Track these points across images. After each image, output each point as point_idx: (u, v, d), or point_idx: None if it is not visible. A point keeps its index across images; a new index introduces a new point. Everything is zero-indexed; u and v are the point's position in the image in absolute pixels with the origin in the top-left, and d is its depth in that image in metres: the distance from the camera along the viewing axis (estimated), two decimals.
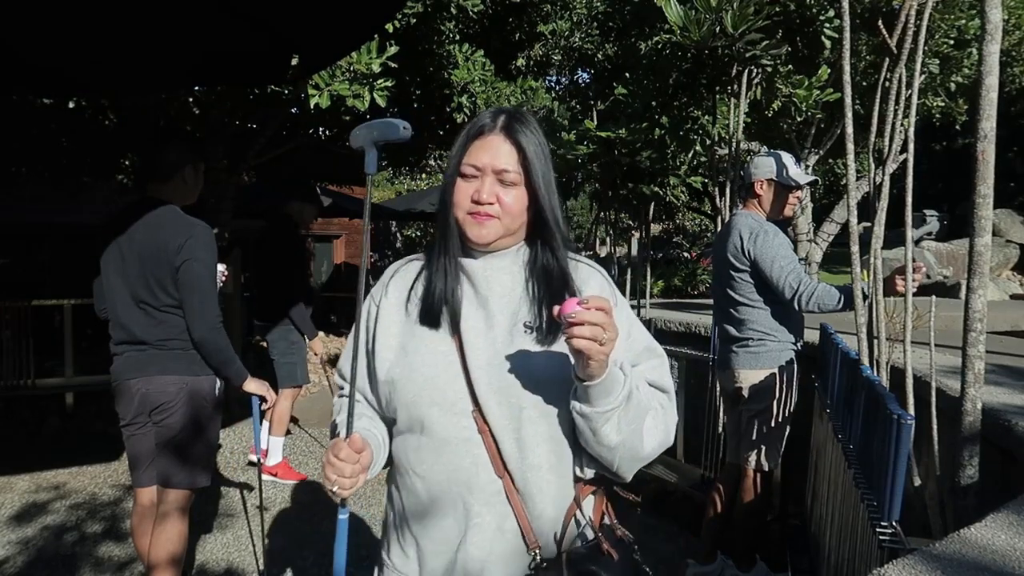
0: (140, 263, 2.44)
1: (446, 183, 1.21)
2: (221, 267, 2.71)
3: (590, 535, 1.18)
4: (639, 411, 1.12)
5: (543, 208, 1.20)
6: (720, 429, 3.76)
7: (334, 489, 1.08)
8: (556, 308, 1.01)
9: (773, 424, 2.88)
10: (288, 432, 4.71)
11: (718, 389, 3.79)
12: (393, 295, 1.27)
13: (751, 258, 2.85)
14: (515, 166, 1.18)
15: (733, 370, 2.97)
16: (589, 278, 1.24)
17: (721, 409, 3.75)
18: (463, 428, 1.15)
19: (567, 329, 0.99)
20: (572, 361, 1.06)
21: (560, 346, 1.13)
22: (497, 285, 1.21)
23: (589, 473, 1.20)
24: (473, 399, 1.15)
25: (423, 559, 1.19)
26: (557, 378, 1.13)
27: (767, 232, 2.85)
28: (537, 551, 1.14)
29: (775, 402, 2.87)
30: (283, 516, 3.89)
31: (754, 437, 2.91)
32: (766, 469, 2.92)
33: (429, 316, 1.21)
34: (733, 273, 2.93)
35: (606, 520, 1.23)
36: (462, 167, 1.19)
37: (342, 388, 1.36)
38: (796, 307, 2.77)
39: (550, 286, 1.20)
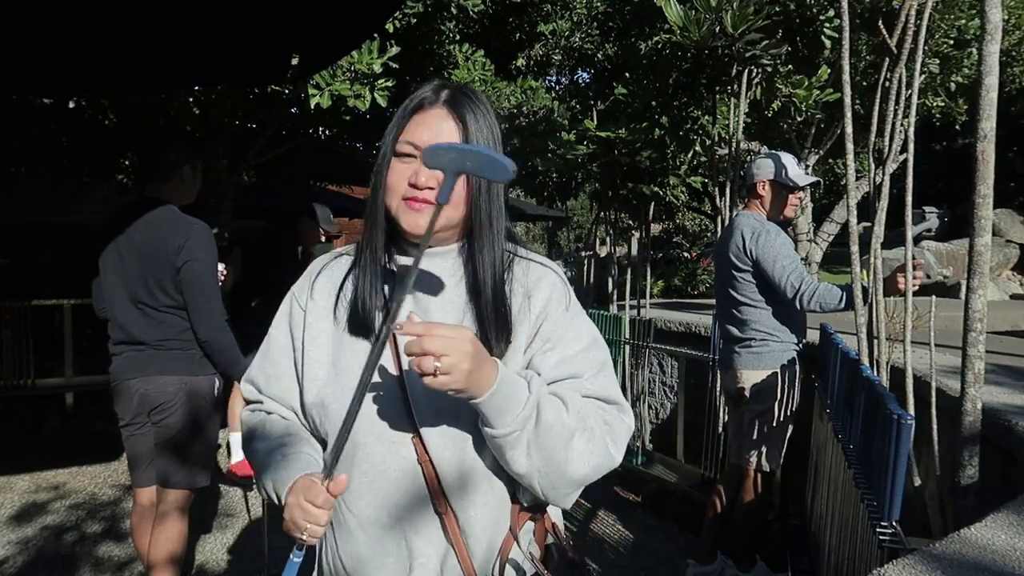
0: (139, 263, 2.44)
1: (378, 165, 1.04)
2: (220, 266, 2.71)
3: (529, 568, 1.07)
4: (557, 433, 0.96)
5: (483, 196, 1.02)
6: (720, 429, 3.76)
7: (303, 536, 0.92)
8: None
9: (775, 424, 2.88)
10: None
11: (718, 389, 3.79)
12: (320, 298, 1.09)
13: (753, 258, 2.85)
14: None
15: (735, 370, 2.97)
16: (540, 280, 1.08)
17: (723, 409, 3.75)
18: (402, 458, 1.00)
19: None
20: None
21: (510, 364, 1.01)
22: (435, 289, 1.05)
23: (527, 499, 1.07)
24: (412, 424, 0.99)
25: None
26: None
27: (769, 232, 2.85)
28: None
29: (776, 403, 2.87)
30: (283, 516, 3.89)
31: (755, 437, 2.91)
32: (767, 470, 2.92)
33: (361, 325, 1.03)
34: (735, 273, 2.93)
35: (550, 539, 1.11)
36: (397, 144, 1.02)
37: (256, 403, 1.15)
38: (797, 306, 2.77)
39: (492, 291, 1.03)
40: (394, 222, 1.03)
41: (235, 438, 4.46)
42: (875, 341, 2.35)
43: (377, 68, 3.96)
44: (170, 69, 2.88)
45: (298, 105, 4.86)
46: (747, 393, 2.92)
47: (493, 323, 1.02)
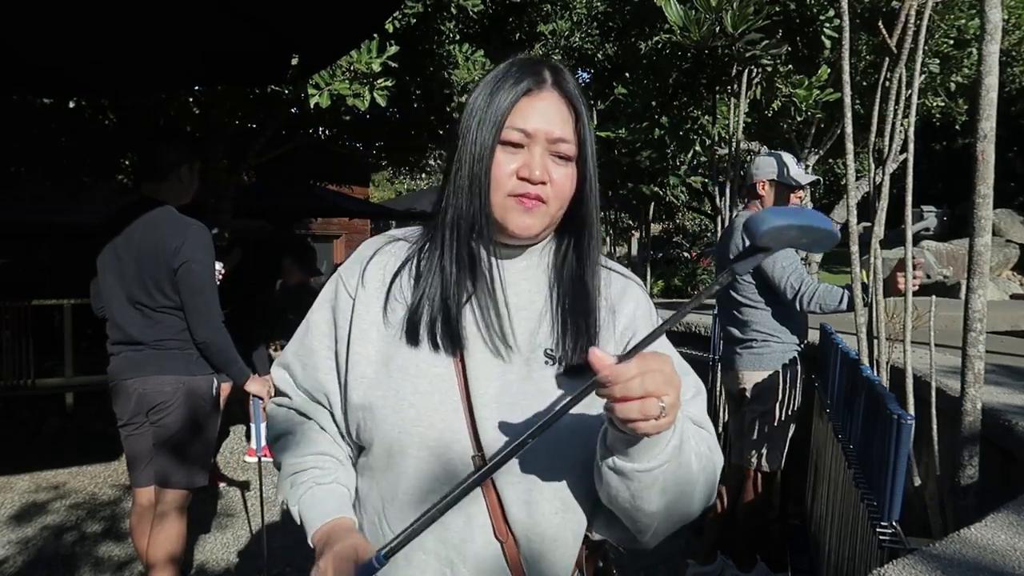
0: (137, 264, 2.44)
1: (474, 155, 0.88)
2: (218, 266, 2.71)
3: None
4: (690, 465, 0.82)
5: (587, 195, 0.91)
6: (720, 429, 3.76)
7: None
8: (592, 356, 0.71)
9: (776, 425, 2.88)
10: None
11: (718, 389, 3.79)
12: (372, 287, 0.95)
13: None
14: (571, 134, 0.89)
15: (737, 371, 2.97)
16: (624, 295, 0.97)
17: (725, 410, 3.75)
18: (458, 478, 0.84)
19: (601, 391, 0.71)
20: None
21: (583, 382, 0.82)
22: (516, 295, 0.93)
23: (601, 536, 0.95)
24: (475, 442, 0.87)
25: None
26: (583, 427, 0.87)
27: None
28: None
29: (778, 403, 2.87)
30: (283, 516, 3.89)
31: (756, 438, 2.91)
32: (768, 470, 2.92)
33: (423, 327, 0.90)
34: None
35: (600, 564, 1.02)
36: (505, 131, 0.87)
37: (284, 395, 1.03)
38: (797, 308, 2.77)
39: (581, 303, 0.91)
40: (494, 219, 0.89)
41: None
42: (875, 341, 2.35)
43: (376, 68, 3.96)
44: (170, 69, 2.88)
45: (298, 105, 4.86)
46: (748, 394, 2.92)
47: (576, 334, 0.91)
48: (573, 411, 0.75)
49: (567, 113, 0.89)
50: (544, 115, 0.88)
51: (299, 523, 0.92)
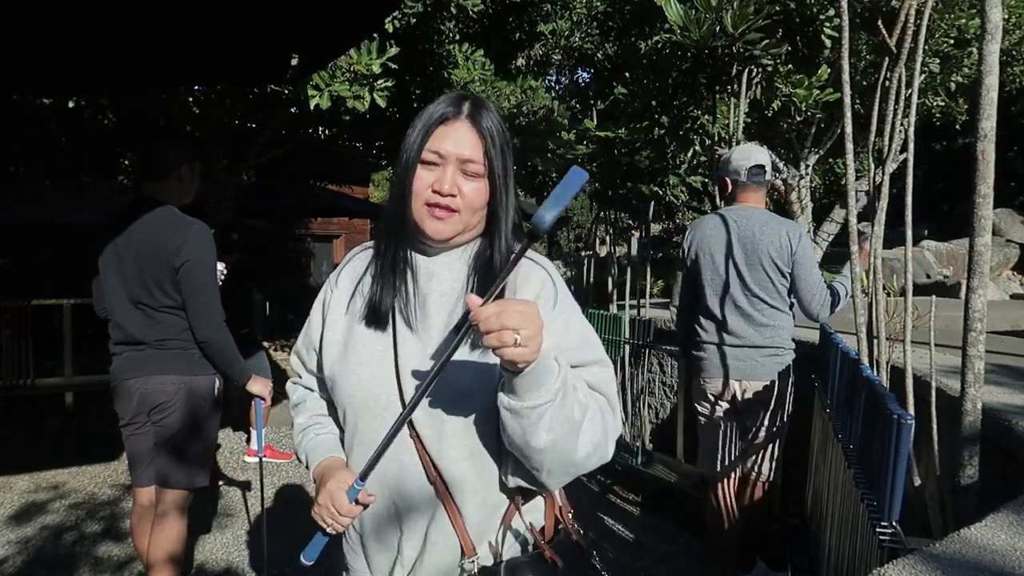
0: (138, 264, 2.44)
1: (402, 170, 1.11)
2: (220, 266, 2.71)
3: (528, 539, 1.14)
4: (574, 410, 1.00)
5: (500, 204, 1.13)
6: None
7: (327, 529, 1.10)
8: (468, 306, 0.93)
9: (778, 431, 2.86)
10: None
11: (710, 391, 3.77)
12: (343, 286, 1.23)
13: (792, 260, 2.76)
14: (480, 156, 1.10)
15: (750, 378, 2.84)
16: (528, 277, 1.14)
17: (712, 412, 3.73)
18: (398, 438, 1.07)
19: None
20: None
21: (489, 354, 1.01)
22: (438, 283, 1.16)
23: (514, 482, 1.11)
24: (403, 402, 1.10)
25: (369, 558, 1.19)
26: (485, 388, 1.05)
27: (805, 236, 2.78)
28: (475, 559, 1.10)
29: (783, 410, 2.85)
30: (283, 516, 3.89)
31: (765, 445, 2.88)
32: (771, 478, 2.89)
33: (371, 313, 1.15)
34: (772, 275, 2.78)
35: (561, 525, 1.17)
36: (424, 153, 1.10)
37: (298, 376, 1.33)
38: (813, 317, 2.73)
39: (487, 285, 1.08)
40: (415, 225, 1.12)
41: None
42: (875, 341, 2.34)
43: (376, 69, 3.96)
44: (170, 69, 2.87)
45: (298, 105, 4.86)
46: (756, 400, 2.85)
47: None
48: (481, 380, 1.06)
49: (476, 139, 1.10)
50: (455, 141, 1.09)
51: (304, 464, 1.24)
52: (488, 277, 1.12)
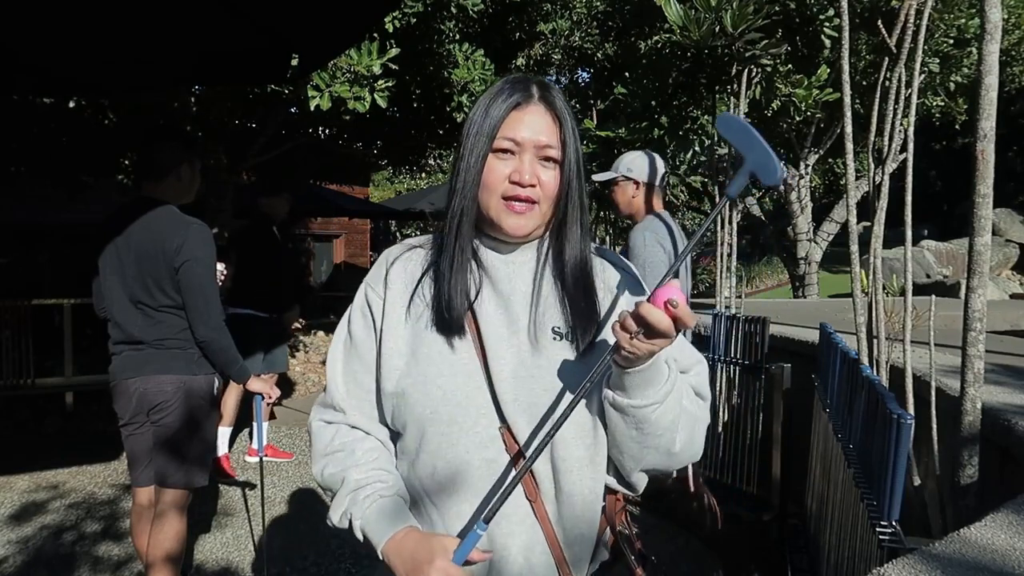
0: (137, 264, 2.44)
1: (472, 161, 1.01)
2: (220, 266, 2.71)
3: (606, 554, 1.08)
4: (679, 409, 0.99)
5: (574, 192, 1.04)
6: (720, 429, 3.76)
7: None
8: (641, 307, 0.86)
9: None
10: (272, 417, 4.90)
11: (719, 388, 3.79)
12: (396, 288, 1.07)
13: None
14: (556, 141, 1.01)
15: None
16: (619, 281, 1.10)
17: (723, 409, 3.74)
18: (487, 449, 0.99)
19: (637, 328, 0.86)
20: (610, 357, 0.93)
21: (594, 355, 1.00)
22: (520, 283, 1.05)
23: (612, 484, 1.06)
24: (499, 414, 1.00)
25: None
26: (593, 393, 1.00)
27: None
28: None
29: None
30: (283, 515, 3.89)
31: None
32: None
33: (444, 319, 1.02)
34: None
35: (623, 530, 1.09)
36: (497, 141, 1.00)
37: (341, 412, 1.09)
38: None
39: (578, 286, 1.04)
40: (489, 220, 1.03)
41: (223, 433, 4.47)
42: (875, 341, 2.35)
43: (377, 69, 3.96)
44: (170, 68, 2.88)
45: (298, 105, 4.86)
46: None
47: (581, 314, 1.03)
48: (580, 371, 0.96)
49: (552, 123, 1.02)
50: (531, 126, 1.00)
51: (358, 535, 1.01)
52: (578, 278, 1.05)
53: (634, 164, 2.90)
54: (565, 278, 1.05)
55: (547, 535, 1.01)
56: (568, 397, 0.99)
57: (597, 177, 2.97)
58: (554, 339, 1.03)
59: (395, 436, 1.08)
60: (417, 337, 1.04)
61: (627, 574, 1.06)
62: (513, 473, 0.98)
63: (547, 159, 1.01)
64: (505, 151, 1.01)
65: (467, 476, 1.00)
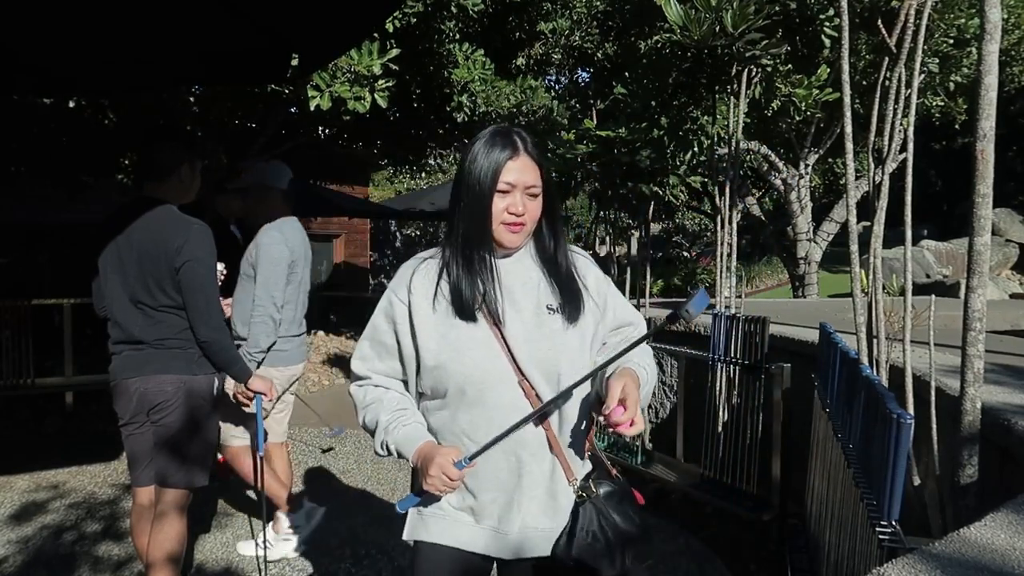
0: (138, 264, 2.44)
1: (479, 198, 1.40)
2: (220, 266, 2.71)
3: (590, 466, 1.53)
4: (653, 381, 1.53)
5: (552, 211, 1.49)
6: (720, 429, 3.76)
7: (440, 494, 1.40)
8: (605, 417, 1.30)
9: None
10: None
11: (719, 387, 3.79)
12: (420, 292, 1.45)
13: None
14: (539, 181, 1.43)
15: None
16: (587, 268, 1.55)
17: (723, 409, 3.74)
18: (512, 396, 1.39)
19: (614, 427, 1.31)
20: (589, 345, 1.48)
21: (579, 323, 1.46)
22: (516, 276, 1.47)
23: (593, 419, 1.53)
24: (519, 371, 1.40)
25: (480, 506, 1.45)
26: (582, 348, 1.46)
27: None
28: (576, 482, 1.45)
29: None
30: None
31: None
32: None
33: (464, 309, 1.41)
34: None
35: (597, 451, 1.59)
36: (499, 185, 1.40)
37: (364, 378, 1.54)
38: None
39: (561, 274, 1.49)
40: (491, 237, 1.43)
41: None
42: (875, 340, 2.35)
43: (377, 69, 3.96)
44: (170, 68, 2.88)
45: (298, 105, 4.86)
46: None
47: (570, 297, 1.46)
48: (578, 344, 1.46)
49: (534, 167, 1.44)
50: (521, 172, 1.42)
51: (395, 454, 1.46)
52: (562, 267, 1.49)
53: (277, 172, 3.21)
54: (552, 270, 1.49)
55: (555, 449, 1.44)
56: (565, 352, 1.43)
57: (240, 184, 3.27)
58: (550, 313, 1.45)
59: (436, 396, 1.46)
60: (445, 324, 1.42)
61: (606, 475, 1.51)
62: (530, 410, 1.39)
63: (531, 194, 1.43)
64: (503, 191, 1.41)
65: (498, 418, 1.39)
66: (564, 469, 1.46)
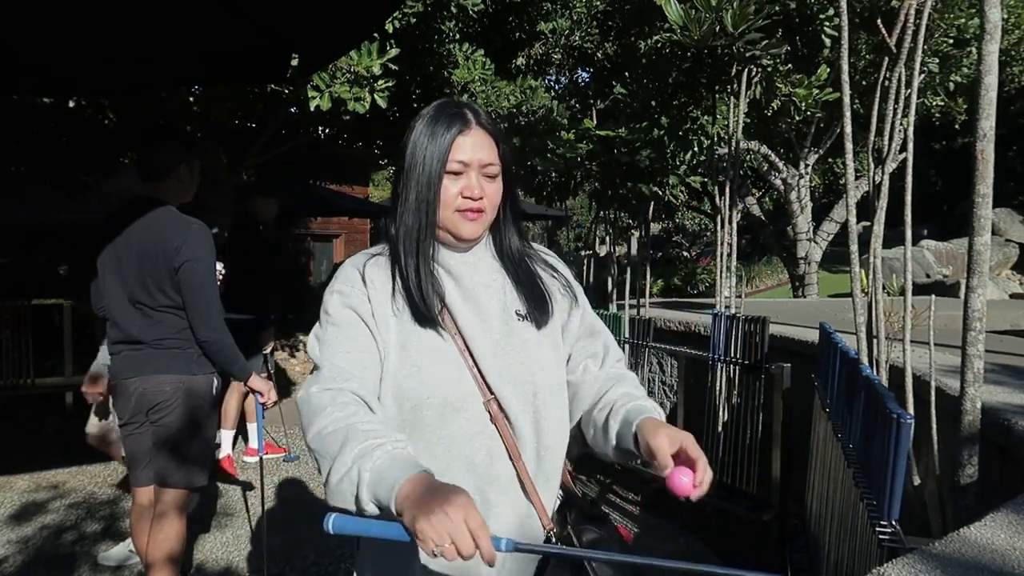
0: (137, 264, 2.44)
1: (424, 183, 1.15)
2: (219, 266, 2.71)
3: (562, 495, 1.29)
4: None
5: (513, 197, 1.25)
6: (720, 429, 3.76)
7: (442, 550, 0.86)
8: (666, 480, 1.06)
9: None
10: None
11: (719, 387, 3.79)
12: (379, 287, 1.18)
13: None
14: (496, 158, 1.19)
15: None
16: (558, 266, 1.33)
17: (723, 408, 3.74)
18: (475, 422, 1.15)
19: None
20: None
21: (551, 330, 1.24)
22: (479, 277, 1.22)
23: (573, 452, 1.28)
24: (487, 389, 1.16)
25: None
26: (558, 361, 1.24)
27: None
28: (552, 531, 1.19)
29: None
30: (283, 515, 3.89)
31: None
32: None
33: (423, 317, 1.15)
34: None
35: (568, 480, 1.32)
36: (449, 164, 1.15)
37: (329, 385, 1.11)
38: None
39: (528, 274, 1.25)
40: (445, 229, 1.19)
41: (226, 435, 4.45)
42: (875, 340, 2.35)
43: (377, 70, 3.96)
44: (170, 68, 2.88)
45: (298, 105, 4.86)
46: None
47: (534, 297, 1.24)
48: (552, 355, 1.23)
49: (491, 143, 1.19)
50: (475, 148, 1.17)
51: (367, 492, 0.96)
52: (526, 268, 1.26)
53: None
54: (514, 269, 1.25)
55: (527, 489, 1.18)
56: (539, 365, 1.20)
57: None
58: (518, 320, 1.21)
59: (392, 416, 1.15)
60: (405, 331, 1.16)
61: (585, 508, 1.27)
62: (499, 438, 1.16)
63: (489, 175, 1.18)
64: (455, 172, 1.16)
65: (459, 448, 1.15)
66: (539, 511, 1.19)
